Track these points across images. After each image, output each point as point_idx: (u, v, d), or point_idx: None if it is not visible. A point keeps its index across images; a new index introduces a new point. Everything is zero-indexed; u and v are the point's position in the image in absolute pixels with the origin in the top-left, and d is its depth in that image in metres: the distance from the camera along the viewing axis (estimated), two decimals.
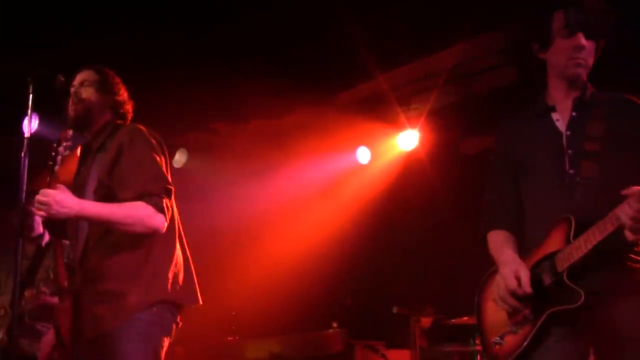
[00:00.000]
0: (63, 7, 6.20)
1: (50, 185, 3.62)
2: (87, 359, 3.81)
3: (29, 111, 3.61)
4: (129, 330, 3.71)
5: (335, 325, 7.93)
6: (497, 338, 3.42)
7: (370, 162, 8.84)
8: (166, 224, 3.78)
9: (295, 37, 6.81)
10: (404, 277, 8.38)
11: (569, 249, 3.20)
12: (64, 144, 3.77)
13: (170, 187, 3.87)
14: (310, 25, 6.64)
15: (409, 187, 8.52)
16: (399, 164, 8.66)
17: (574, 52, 3.43)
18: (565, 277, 3.19)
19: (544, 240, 3.35)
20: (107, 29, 6.44)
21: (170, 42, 6.78)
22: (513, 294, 3.29)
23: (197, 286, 4.04)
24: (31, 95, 3.64)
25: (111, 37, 6.41)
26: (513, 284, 3.28)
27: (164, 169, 3.92)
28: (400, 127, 8.40)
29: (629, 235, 3.02)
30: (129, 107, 4.24)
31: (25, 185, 3.55)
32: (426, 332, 7.35)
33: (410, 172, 8.52)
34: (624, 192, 3.01)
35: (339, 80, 7.70)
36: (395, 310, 7.39)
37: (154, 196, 3.75)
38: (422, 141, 8.37)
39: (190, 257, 4.07)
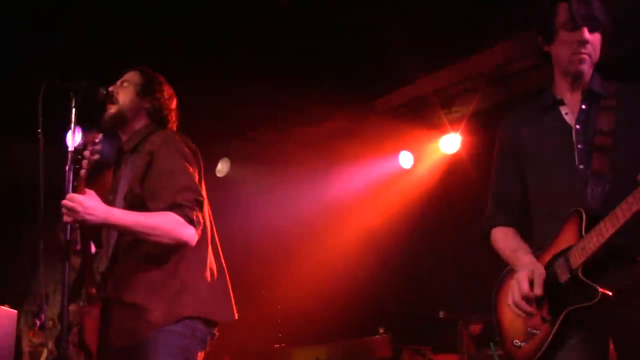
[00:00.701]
0: (106, 14, 6.30)
1: (77, 190, 3.54)
2: None
3: (72, 125, 3.61)
4: (160, 342, 3.62)
5: (381, 330, 7.88)
6: (517, 341, 3.34)
7: (413, 166, 8.80)
8: (196, 237, 3.68)
9: (335, 43, 6.80)
10: (449, 281, 8.30)
11: (581, 243, 3.13)
12: (90, 147, 3.65)
13: (201, 198, 3.75)
14: (349, 31, 6.62)
15: (452, 190, 8.45)
16: (441, 168, 8.61)
17: (579, 47, 3.34)
18: (580, 274, 3.12)
19: (556, 237, 3.29)
20: (150, 37, 6.52)
21: (211, 51, 6.81)
22: (526, 298, 3.24)
23: (232, 301, 3.92)
24: (74, 109, 3.65)
25: (153, 44, 6.47)
26: (525, 288, 3.24)
27: (196, 180, 3.81)
28: (442, 131, 8.36)
29: None
30: (167, 114, 4.11)
31: None
32: (474, 337, 7.27)
33: (453, 175, 8.46)
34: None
35: (379, 85, 7.68)
36: (441, 315, 7.32)
37: (184, 207, 3.62)
38: (464, 144, 8.31)
39: (226, 270, 3.96)
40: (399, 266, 8.77)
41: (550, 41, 3.44)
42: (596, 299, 3.04)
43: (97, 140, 3.69)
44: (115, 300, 3.76)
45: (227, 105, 7.69)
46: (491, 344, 6.51)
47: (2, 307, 6.53)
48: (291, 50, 6.90)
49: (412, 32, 6.41)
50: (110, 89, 4.02)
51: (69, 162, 3.57)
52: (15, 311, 6.69)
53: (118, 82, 4.11)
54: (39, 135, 3.54)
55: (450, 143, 8.37)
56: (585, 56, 3.35)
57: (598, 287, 3.05)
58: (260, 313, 8.09)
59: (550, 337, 3.19)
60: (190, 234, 3.64)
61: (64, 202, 3.48)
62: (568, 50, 3.37)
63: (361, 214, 8.80)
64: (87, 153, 3.64)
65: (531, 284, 3.24)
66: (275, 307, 8.96)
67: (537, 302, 3.25)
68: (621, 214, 2.99)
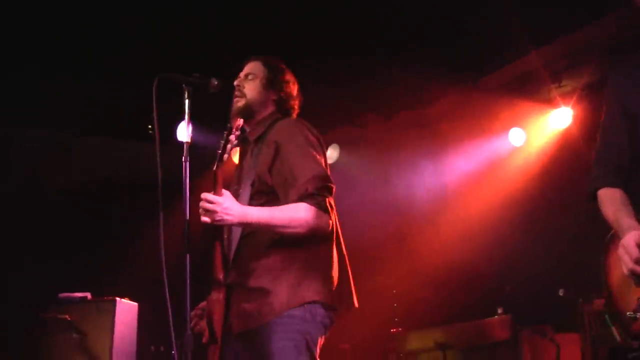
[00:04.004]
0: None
1: (214, 188, 3.57)
2: (234, 353, 3.77)
3: (187, 117, 3.64)
4: (281, 327, 3.63)
5: (500, 311, 7.78)
6: (631, 313, 3.16)
7: (525, 143, 8.63)
8: (330, 223, 3.70)
9: (440, 22, 6.71)
10: (568, 257, 8.12)
11: None
12: (235, 132, 3.71)
13: (332, 185, 3.77)
14: (455, 8, 6.52)
15: (564, 166, 8.25)
16: (553, 144, 8.42)
17: None
18: None
19: None
20: (258, 25, 6.63)
21: (315, 39, 6.81)
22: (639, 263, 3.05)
23: (353, 289, 3.91)
24: (187, 101, 3.67)
25: (259, 31, 6.56)
26: (636, 252, 3.04)
27: (324, 166, 3.83)
28: (553, 105, 8.17)
29: None
30: (294, 103, 4.15)
31: (188, 190, 3.53)
32: (597, 314, 7.07)
33: (565, 151, 8.26)
34: None
35: (487, 62, 7.55)
36: (561, 293, 7.17)
37: (316, 196, 3.65)
38: (575, 119, 8.11)
39: (347, 258, 3.94)
40: (514, 245, 8.63)
41: None
42: None
43: (240, 126, 3.75)
44: (240, 285, 3.78)
45: (333, 92, 7.69)
46: (606, 316, 6.32)
47: (123, 299, 6.71)
48: (396, 32, 6.83)
49: (520, 4, 6.25)
50: (236, 82, 4.08)
51: (184, 154, 3.60)
52: (136, 304, 6.87)
53: (242, 75, 4.15)
54: (151, 131, 3.59)
55: (561, 118, 8.18)
56: None
57: None
58: (376, 299, 8.06)
59: None
60: (324, 221, 3.68)
61: (202, 203, 3.53)
62: None
63: (474, 194, 8.69)
64: (232, 138, 3.69)
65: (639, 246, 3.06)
66: (390, 291, 8.93)
67: None
68: None
